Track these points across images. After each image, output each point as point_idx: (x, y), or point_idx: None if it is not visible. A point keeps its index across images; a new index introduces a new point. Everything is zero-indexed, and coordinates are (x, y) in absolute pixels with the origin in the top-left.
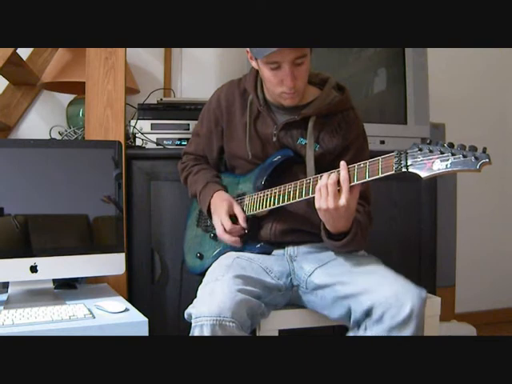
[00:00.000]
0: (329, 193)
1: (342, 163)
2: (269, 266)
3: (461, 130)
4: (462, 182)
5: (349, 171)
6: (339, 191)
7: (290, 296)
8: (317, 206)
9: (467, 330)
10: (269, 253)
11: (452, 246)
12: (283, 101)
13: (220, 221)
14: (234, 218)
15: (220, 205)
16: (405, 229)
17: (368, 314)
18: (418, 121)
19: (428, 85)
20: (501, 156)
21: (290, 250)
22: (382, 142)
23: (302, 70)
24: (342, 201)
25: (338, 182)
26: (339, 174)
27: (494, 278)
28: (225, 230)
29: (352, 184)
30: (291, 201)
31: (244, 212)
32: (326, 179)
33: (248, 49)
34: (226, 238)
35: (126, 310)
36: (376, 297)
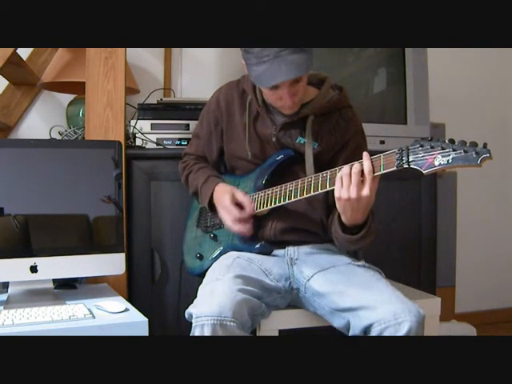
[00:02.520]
0: (352, 182)
1: (365, 154)
2: (268, 268)
3: (461, 129)
4: (463, 182)
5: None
6: (362, 181)
7: (291, 299)
8: (337, 195)
9: (467, 330)
10: (269, 253)
11: (452, 246)
12: (282, 111)
13: (226, 212)
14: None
15: (223, 197)
16: (405, 229)
17: (366, 331)
18: (418, 121)
19: (428, 85)
20: (501, 156)
21: (290, 251)
22: (382, 142)
23: (300, 86)
24: (366, 191)
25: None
26: (362, 165)
27: (494, 278)
28: (234, 219)
29: (376, 174)
30: (292, 199)
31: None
32: (349, 169)
33: (243, 61)
34: (237, 227)
35: (126, 310)
36: (375, 315)
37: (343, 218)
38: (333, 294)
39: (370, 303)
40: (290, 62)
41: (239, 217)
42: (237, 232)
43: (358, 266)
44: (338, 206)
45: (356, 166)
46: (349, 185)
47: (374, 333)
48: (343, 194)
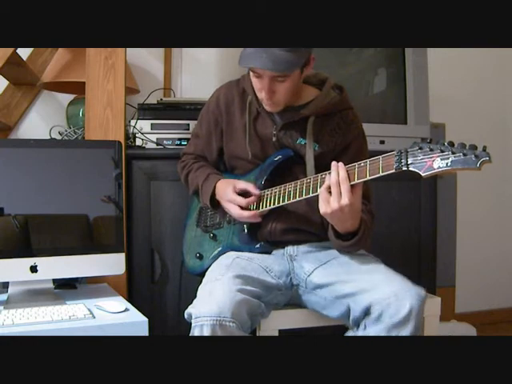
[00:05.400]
0: (332, 194)
1: (333, 164)
2: (269, 266)
3: (461, 130)
4: (462, 183)
5: (349, 170)
6: (340, 192)
7: (291, 295)
8: (322, 211)
9: (467, 329)
10: (268, 253)
11: (452, 246)
12: (264, 105)
13: (232, 202)
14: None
15: (225, 189)
16: (405, 229)
17: (367, 312)
18: (418, 121)
19: (428, 85)
20: (501, 156)
21: (289, 249)
22: (382, 142)
23: (283, 86)
24: (345, 200)
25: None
26: (338, 175)
27: (494, 278)
28: (241, 208)
29: (353, 183)
30: (291, 200)
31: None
32: (328, 181)
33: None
34: (246, 215)
35: (126, 309)
36: (375, 295)
37: (336, 228)
38: (334, 284)
39: (371, 285)
40: (274, 55)
41: (245, 203)
42: (246, 219)
43: (357, 254)
44: (327, 219)
45: (333, 175)
46: (328, 199)
47: (374, 312)
48: (327, 209)
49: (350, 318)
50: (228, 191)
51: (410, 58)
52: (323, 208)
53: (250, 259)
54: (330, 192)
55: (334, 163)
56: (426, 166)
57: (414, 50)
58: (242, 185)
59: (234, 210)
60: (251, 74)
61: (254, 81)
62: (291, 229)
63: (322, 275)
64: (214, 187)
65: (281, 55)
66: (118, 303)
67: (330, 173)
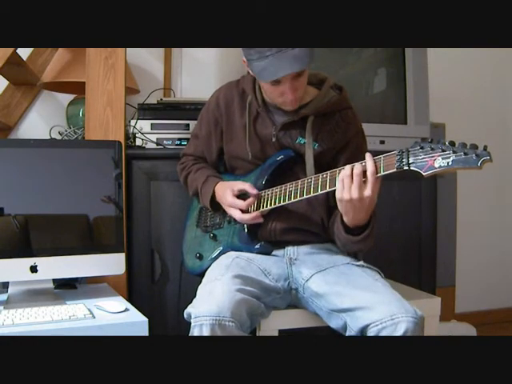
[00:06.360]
0: (353, 183)
1: (368, 154)
2: (267, 268)
3: (461, 130)
4: (463, 182)
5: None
6: (364, 182)
7: (290, 299)
8: (338, 197)
9: (467, 329)
10: (268, 253)
11: (452, 246)
12: (284, 107)
13: (232, 206)
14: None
15: (224, 193)
16: (405, 229)
17: (363, 332)
18: (418, 121)
19: (428, 85)
20: (501, 156)
21: (289, 250)
22: (382, 142)
23: (301, 80)
24: (368, 191)
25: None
26: (363, 166)
27: (494, 278)
28: (241, 211)
29: (377, 175)
30: (292, 200)
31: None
32: (350, 170)
33: (244, 59)
34: (247, 217)
35: (126, 309)
36: (372, 315)
37: (345, 219)
38: (330, 295)
39: (368, 304)
40: (291, 56)
41: (245, 205)
42: (249, 221)
43: (357, 265)
44: (339, 207)
45: (357, 166)
46: (350, 186)
47: (371, 333)
48: (345, 195)
49: (347, 334)
50: (227, 195)
51: (410, 58)
52: (341, 194)
53: (249, 260)
54: (352, 180)
55: (368, 154)
56: (427, 166)
57: (413, 50)
58: (240, 186)
59: (235, 214)
60: (266, 84)
61: (272, 89)
62: (291, 228)
63: (319, 281)
64: (214, 190)
65: (296, 53)
66: (118, 303)
67: (330, 173)
